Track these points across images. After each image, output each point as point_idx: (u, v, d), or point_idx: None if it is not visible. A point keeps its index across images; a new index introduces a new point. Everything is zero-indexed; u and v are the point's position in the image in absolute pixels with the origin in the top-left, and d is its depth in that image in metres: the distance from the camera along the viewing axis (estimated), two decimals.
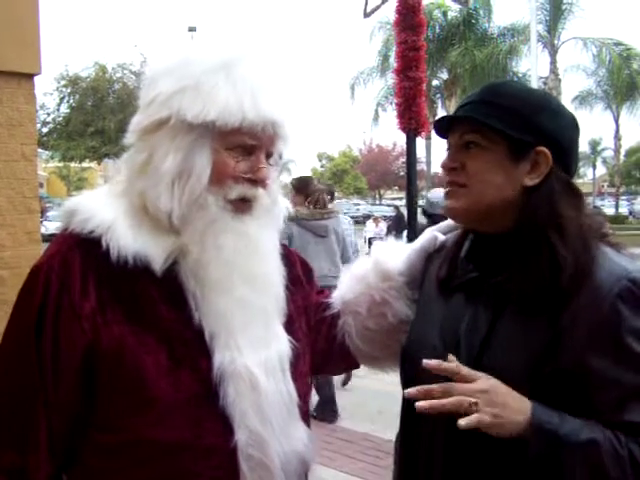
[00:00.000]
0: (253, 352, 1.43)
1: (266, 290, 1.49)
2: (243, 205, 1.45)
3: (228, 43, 1.51)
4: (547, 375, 1.29)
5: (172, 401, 1.35)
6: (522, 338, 1.33)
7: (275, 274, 1.54)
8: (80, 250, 1.40)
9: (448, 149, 1.49)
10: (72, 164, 35.25)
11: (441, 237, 1.67)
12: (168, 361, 1.36)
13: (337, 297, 1.76)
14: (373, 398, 6.28)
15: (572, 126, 1.44)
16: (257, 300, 1.46)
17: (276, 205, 1.57)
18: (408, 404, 1.52)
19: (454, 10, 29.36)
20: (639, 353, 1.25)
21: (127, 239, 1.39)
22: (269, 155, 1.49)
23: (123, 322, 1.36)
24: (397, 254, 1.73)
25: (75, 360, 1.36)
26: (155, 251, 1.40)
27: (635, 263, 1.35)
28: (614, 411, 1.25)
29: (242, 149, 1.43)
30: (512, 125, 1.37)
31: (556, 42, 29.41)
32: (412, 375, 1.51)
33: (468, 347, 1.39)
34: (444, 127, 1.50)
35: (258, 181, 1.45)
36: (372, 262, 1.74)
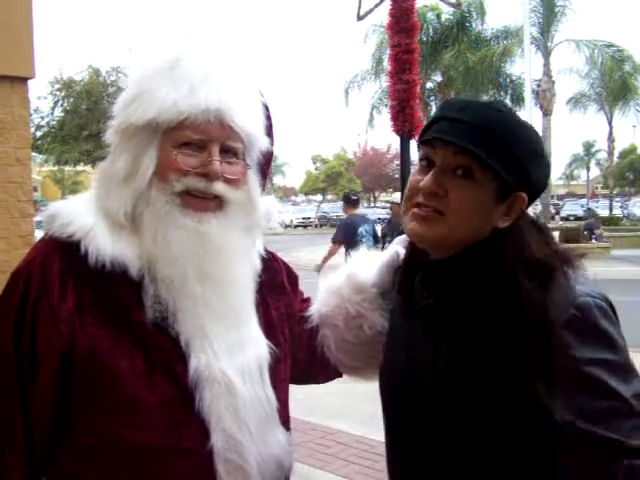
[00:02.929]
0: (229, 356, 1.44)
1: (228, 292, 1.47)
2: (200, 201, 1.44)
3: (176, 43, 1.53)
4: (510, 406, 1.28)
5: (147, 404, 1.37)
6: (482, 365, 1.32)
7: (242, 275, 1.52)
8: (59, 254, 1.42)
9: (426, 162, 1.39)
10: (66, 168, 35.17)
11: (402, 252, 1.65)
12: (143, 364, 1.38)
13: (314, 310, 1.76)
14: (368, 401, 6.27)
15: (549, 171, 1.43)
16: (217, 302, 1.44)
17: (253, 205, 1.54)
18: (389, 413, 1.55)
19: (447, 13, 29.39)
20: (590, 379, 1.23)
21: (105, 244, 1.41)
22: (227, 150, 1.46)
23: (100, 325, 1.38)
24: (370, 266, 1.73)
25: (52, 362, 1.37)
26: (132, 256, 1.42)
27: (592, 286, 1.33)
28: (573, 433, 1.23)
29: (194, 145, 1.43)
30: (508, 167, 1.32)
31: (549, 44, 29.45)
32: (388, 397, 1.54)
33: (433, 374, 1.39)
34: (430, 136, 1.38)
35: (210, 174, 1.42)
36: (345, 275, 1.74)
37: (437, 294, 1.42)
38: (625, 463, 1.19)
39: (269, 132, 1.60)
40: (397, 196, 10.79)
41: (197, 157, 1.43)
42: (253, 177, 1.56)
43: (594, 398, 1.23)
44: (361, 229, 9.62)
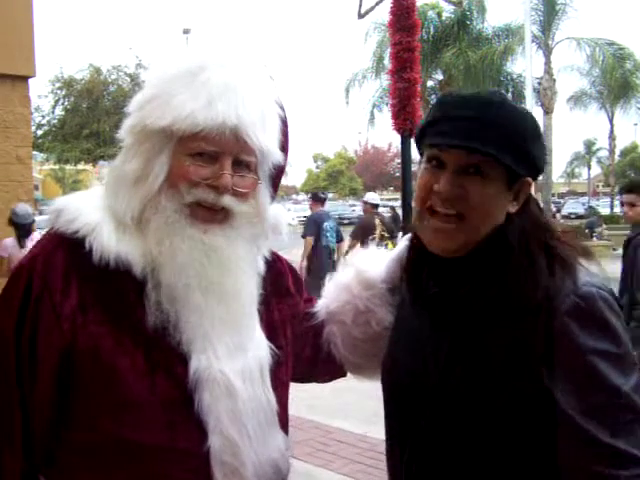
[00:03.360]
0: (230, 358, 1.43)
1: (232, 302, 1.46)
2: (208, 213, 1.43)
3: (200, 50, 1.50)
4: (510, 392, 1.29)
5: (147, 403, 1.37)
6: (485, 354, 1.34)
7: (245, 288, 1.50)
8: (64, 250, 1.41)
9: (434, 161, 1.39)
10: (67, 166, 35.23)
11: None
12: (144, 364, 1.38)
13: (322, 306, 1.76)
14: (370, 399, 6.26)
15: (545, 149, 1.44)
16: (220, 311, 1.44)
17: (261, 217, 1.53)
18: (391, 412, 1.55)
19: (448, 11, 29.37)
20: (589, 369, 1.24)
21: (110, 241, 1.40)
22: (239, 163, 1.44)
23: (102, 323, 1.38)
24: (379, 262, 1.74)
25: (52, 359, 1.37)
26: (136, 255, 1.41)
27: (593, 277, 1.34)
28: (565, 425, 1.24)
29: (207, 156, 1.41)
30: (517, 157, 1.34)
31: (550, 42, 29.40)
32: (390, 391, 1.55)
33: (434, 365, 1.40)
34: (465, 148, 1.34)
35: (220, 187, 1.41)
36: (354, 271, 1.75)
37: (443, 284, 1.43)
38: (606, 472, 1.19)
39: (284, 146, 1.58)
40: (371, 196, 11.69)
41: (208, 168, 1.41)
42: (264, 190, 1.54)
43: (591, 390, 1.23)
44: (326, 224, 10.16)
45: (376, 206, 10.90)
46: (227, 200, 1.43)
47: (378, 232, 10.05)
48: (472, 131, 1.32)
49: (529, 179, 1.39)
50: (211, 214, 1.43)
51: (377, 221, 10.36)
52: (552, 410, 1.26)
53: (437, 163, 1.38)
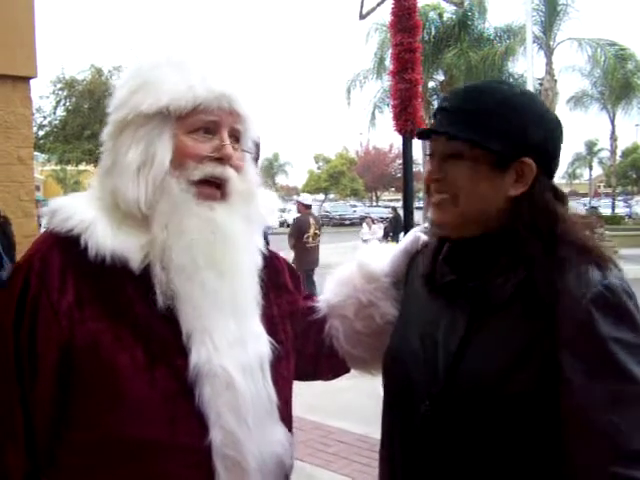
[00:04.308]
0: (230, 351, 1.44)
1: (233, 278, 1.48)
2: (211, 189, 1.46)
3: (183, 39, 1.57)
4: (524, 377, 1.29)
5: (147, 398, 1.37)
6: (499, 341, 1.34)
7: (246, 265, 1.53)
8: (59, 248, 1.43)
9: (430, 155, 1.47)
10: (68, 167, 35.23)
11: (423, 237, 1.67)
12: (144, 358, 1.38)
13: (323, 301, 1.77)
14: (369, 399, 6.27)
15: (556, 129, 1.43)
16: (222, 287, 1.45)
17: (253, 194, 1.56)
18: (388, 410, 1.54)
19: (449, 12, 29.36)
20: (610, 357, 1.24)
21: (105, 238, 1.41)
22: (234, 133, 1.50)
23: (100, 318, 1.38)
24: (382, 256, 1.75)
25: (52, 354, 1.38)
26: (133, 249, 1.42)
27: (613, 271, 1.34)
28: (580, 418, 1.24)
29: (204, 130, 1.46)
30: (496, 137, 1.36)
31: (552, 43, 29.38)
32: (393, 379, 1.54)
33: (445, 352, 1.39)
34: (426, 132, 1.51)
35: (224, 159, 1.46)
36: (357, 265, 1.75)
37: (459, 270, 1.44)
38: (613, 470, 1.18)
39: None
40: (304, 196, 12.66)
41: (210, 142, 1.46)
42: (251, 165, 1.59)
43: (611, 378, 1.23)
44: None
45: (309, 206, 11.73)
46: (230, 172, 1.47)
47: (312, 231, 11.00)
48: (450, 118, 1.41)
49: (528, 160, 1.38)
50: (213, 190, 1.47)
51: (311, 220, 11.23)
52: (566, 401, 1.26)
53: (431, 154, 1.46)
